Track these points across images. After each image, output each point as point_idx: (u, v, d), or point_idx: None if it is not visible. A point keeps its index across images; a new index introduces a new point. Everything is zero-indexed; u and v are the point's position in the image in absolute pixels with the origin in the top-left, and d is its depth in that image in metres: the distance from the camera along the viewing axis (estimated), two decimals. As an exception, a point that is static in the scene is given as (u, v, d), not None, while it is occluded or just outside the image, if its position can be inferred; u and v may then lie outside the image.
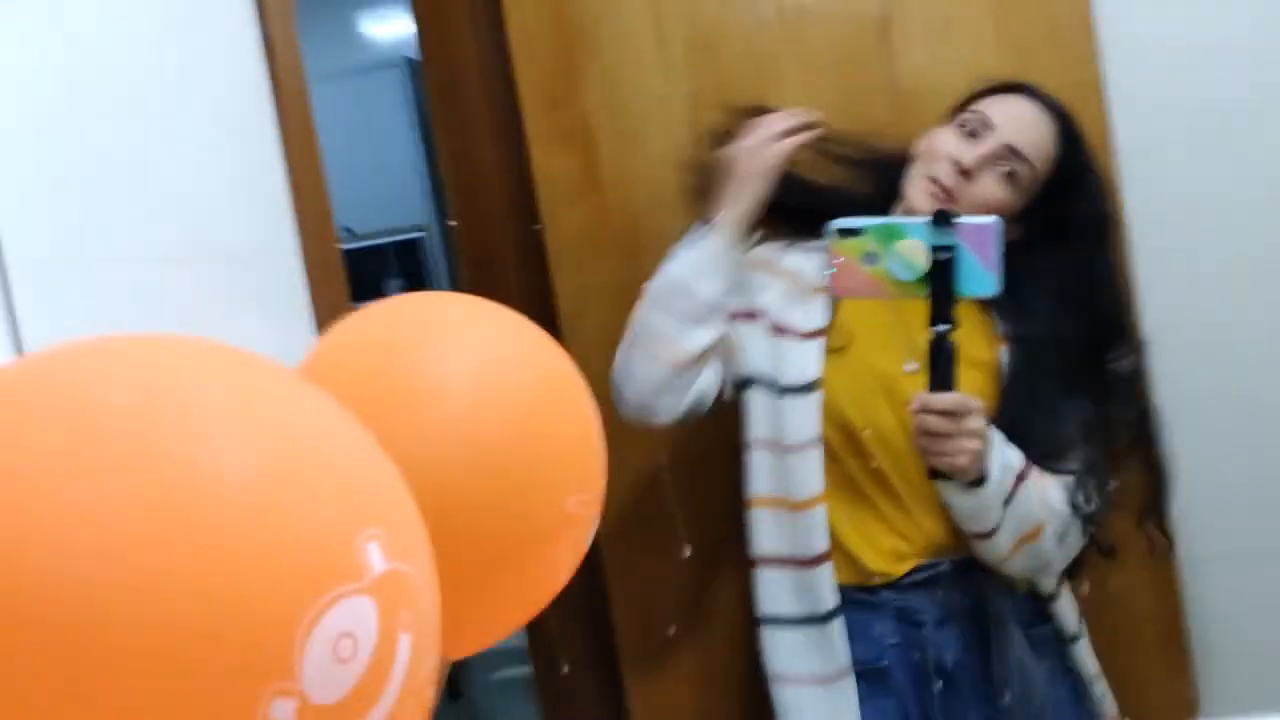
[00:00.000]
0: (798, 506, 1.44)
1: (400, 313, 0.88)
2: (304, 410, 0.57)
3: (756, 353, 1.49)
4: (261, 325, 1.00)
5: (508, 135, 1.85)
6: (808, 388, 1.44)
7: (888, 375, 1.43)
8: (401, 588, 0.55)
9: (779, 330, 1.47)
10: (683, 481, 1.74)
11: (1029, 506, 1.34)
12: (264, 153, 1.20)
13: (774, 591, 1.47)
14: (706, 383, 1.48)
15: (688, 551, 1.65)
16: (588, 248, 1.81)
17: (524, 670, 2.37)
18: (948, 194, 1.37)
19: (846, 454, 1.44)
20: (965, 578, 1.43)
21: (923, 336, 1.26)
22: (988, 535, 1.36)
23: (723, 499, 1.72)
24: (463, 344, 0.85)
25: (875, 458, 1.42)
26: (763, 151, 1.46)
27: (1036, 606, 1.47)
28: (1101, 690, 1.49)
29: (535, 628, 1.86)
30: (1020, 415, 1.36)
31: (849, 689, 1.43)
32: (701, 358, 1.46)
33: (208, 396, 0.53)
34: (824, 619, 1.44)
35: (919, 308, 1.25)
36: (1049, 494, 1.36)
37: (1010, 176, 1.39)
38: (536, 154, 1.80)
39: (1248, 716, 1.12)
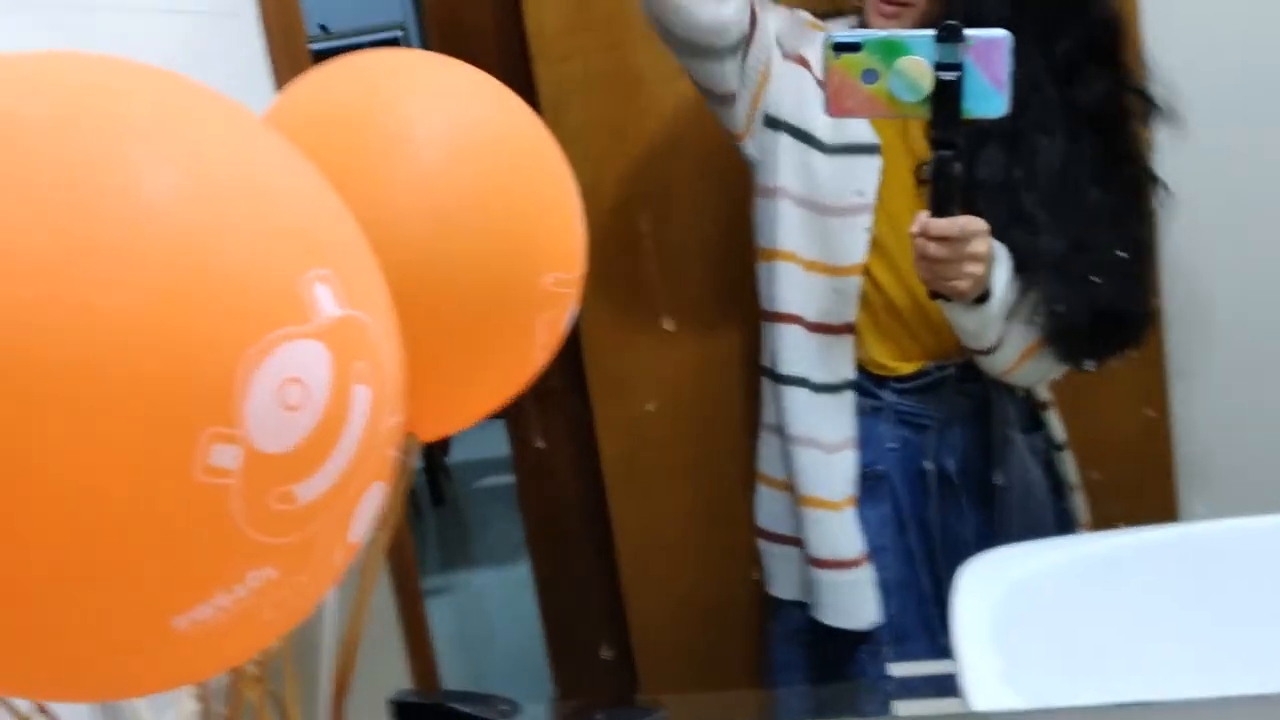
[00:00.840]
0: (837, 271, 1.39)
1: (369, 68, 0.81)
2: (244, 138, 0.51)
3: (795, 98, 1.38)
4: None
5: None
6: (870, 149, 1.36)
7: (909, 169, 1.36)
8: (356, 335, 0.50)
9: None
10: (666, 254, 1.69)
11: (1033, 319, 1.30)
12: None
13: (789, 350, 1.43)
14: (742, 8, 1.33)
15: (670, 325, 1.61)
16: (570, 36, 1.72)
17: (507, 479, 2.37)
18: (900, 5, 1.28)
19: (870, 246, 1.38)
20: (971, 382, 1.40)
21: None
22: (991, 350, 1.32)
23: (723, 291, 1.70)
24: (437, 102, 0.79)
25: (893, 253, 1.37)
26: None
27: (1030, 412, 1.44)
28: (1079, 501, 1.48)
29: (519, 428, 1.85)
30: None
31: (853, 456, 1.42)
32: None
33: (133, 112, 0.47)
34: (840, 388, 1.40)
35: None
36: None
37: None
38: (517, -65, 1.70)
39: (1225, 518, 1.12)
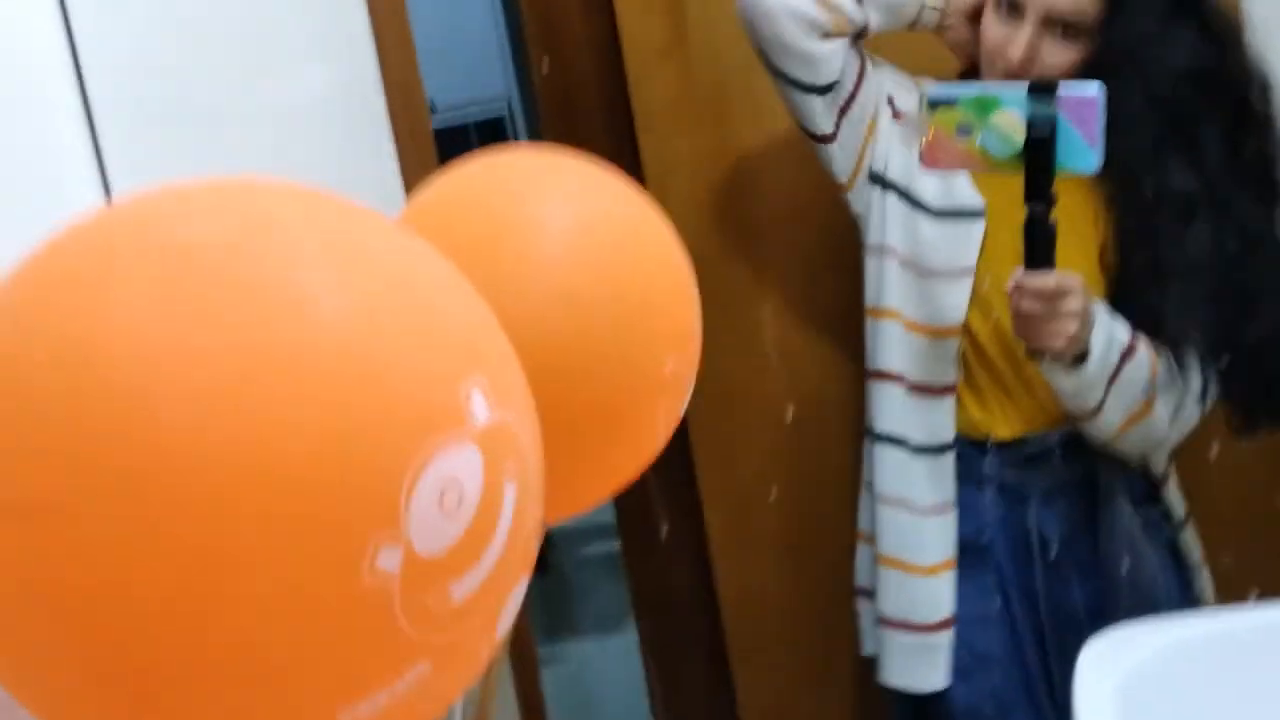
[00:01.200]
0: (937, 333, 1.39)
1: (495, 167, 0.85)
2: (401, 253, 0.54)
3: (903, 159, 1.39)
4: (344, 183, 0.97)
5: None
6: (973, 213, 1.37)
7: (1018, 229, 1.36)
8: (506, 437, 0.52)
9: None
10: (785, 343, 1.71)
11: (1136, 384, 1.28)
12: (348, 12, 1.17)
13: (887, 408, 1.43)
14: (836, 54, 1.35)
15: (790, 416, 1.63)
16: (675, 111, 1.76)
17: (611, 546, 2.38)
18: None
19: (972, 306, 1.38)
20: (1075, 451, 1.38)
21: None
22: (1092, 414, 1.31)
23: (827, 363, 1.71)
24: (559, 198, 0.82)
25: (997, 314, 1.36)
26: None
27: (1146, 486, 1.42)
28: (1204, 579, 1.45)
29: (625, 499, 1.86)
30: (1134, 281, 1.29)
31: (952, 519, 1.40)
32: (840, 18, 1.34)
33: (302, 236, 0.50)
34: (939, 450, 1.40)
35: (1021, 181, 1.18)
36: (1160, 368, 1.30)
37: (1068, 35, 1.26)
38: (624, 14, 1.74)
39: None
